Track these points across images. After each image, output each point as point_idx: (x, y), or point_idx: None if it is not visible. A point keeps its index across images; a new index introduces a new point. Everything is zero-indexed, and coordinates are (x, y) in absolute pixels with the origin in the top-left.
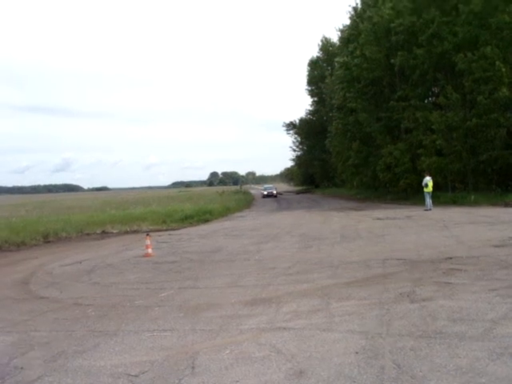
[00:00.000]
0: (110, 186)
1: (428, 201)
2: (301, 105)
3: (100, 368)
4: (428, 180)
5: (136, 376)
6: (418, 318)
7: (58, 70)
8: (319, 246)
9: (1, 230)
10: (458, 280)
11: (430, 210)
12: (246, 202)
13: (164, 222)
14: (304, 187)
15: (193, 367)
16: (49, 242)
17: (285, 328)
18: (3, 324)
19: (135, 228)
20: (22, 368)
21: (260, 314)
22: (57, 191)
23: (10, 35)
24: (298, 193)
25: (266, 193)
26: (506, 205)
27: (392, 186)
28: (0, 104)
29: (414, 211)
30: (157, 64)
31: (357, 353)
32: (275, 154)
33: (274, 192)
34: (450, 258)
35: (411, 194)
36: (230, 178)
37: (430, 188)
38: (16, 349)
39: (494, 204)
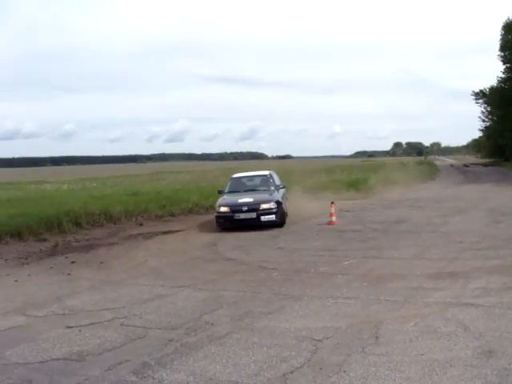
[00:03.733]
0: (293, 154)
1: None
2: (491, 72)
3: (284, 330)
4: None
5: (320, 341)
6: None
7: (250, 43)
8: (510, 222)
9: (193, 194)
10: None
11: None
12: (431, 173)
13: (347, 191)
14: (492, 160)
15: (376, 337)
16: None
17: (472, 304)
18: (195, 281)
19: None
20: (212, 324)
21: (446, 288)
22: (242, 158)
23: (205, 15)
24: (485, 165)
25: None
26: None
27: None
28: (192, 76)
29: None
30: (344, 35)
31: None
32: (461, 124)
33: (272, 208)
34: None
35: None
36: (414, 149)
37: None
38: (206, 305)
39: None
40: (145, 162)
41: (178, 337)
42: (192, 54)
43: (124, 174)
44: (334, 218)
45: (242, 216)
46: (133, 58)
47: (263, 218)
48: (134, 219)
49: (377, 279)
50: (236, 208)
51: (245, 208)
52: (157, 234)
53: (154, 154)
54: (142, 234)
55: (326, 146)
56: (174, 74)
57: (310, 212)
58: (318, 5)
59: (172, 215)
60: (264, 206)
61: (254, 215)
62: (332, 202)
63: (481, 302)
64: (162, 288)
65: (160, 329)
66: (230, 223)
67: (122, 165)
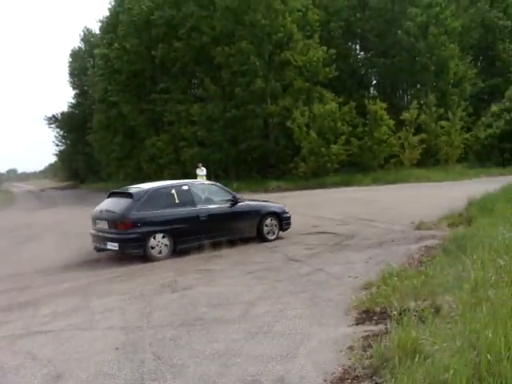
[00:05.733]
0: None
1: None
2: (65, 97)
3: None
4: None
5: None
6: (178, 307)
7: None
8: (82, 242)
9: None
10: (218, 266)
11: None
12: (7, 201)
13: None
14: (70, 183)
15: None
16: None
17: (42, 332)
18: None
19: None
20: None
21: (15, 320)
22: None
23: None
24: (63, 189)
25: None
26: (266, 190)
27: (157, 178)
28: None
29: None
30: None
31: (117, 349)
32: (38, 149)
33: None
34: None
35: None
36: None
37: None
38: None
39: (254, 190)
40: None
41: None
42: None
43: None
44: None
45: None
46: None
47: None
48: None
49: None
50: None
51: None
52: None
53: None
54: None
55: None
56: None
57: None
58: None
59: None
60: None
61: None
62: None
63: (49, 328)
64: None
65: None
66: None
67: None
